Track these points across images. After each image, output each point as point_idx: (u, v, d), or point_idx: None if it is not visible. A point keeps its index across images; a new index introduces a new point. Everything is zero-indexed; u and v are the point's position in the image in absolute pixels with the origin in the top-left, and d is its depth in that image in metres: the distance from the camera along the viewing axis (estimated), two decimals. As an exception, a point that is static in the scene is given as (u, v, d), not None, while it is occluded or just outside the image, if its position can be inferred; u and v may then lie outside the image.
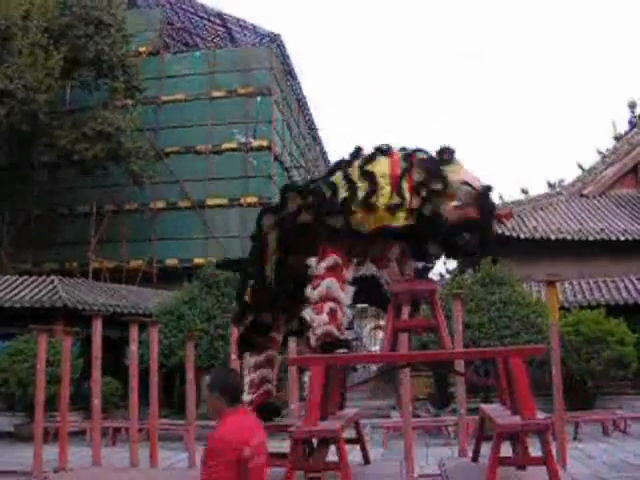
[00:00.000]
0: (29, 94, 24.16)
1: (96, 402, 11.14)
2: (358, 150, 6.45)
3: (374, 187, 6.00)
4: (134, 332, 11.25)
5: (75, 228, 29.58)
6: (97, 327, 11.17)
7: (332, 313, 5.95)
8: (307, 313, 6.11)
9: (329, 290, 6.01)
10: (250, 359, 6.92)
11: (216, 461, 3.56)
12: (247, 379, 6.82)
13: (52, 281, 22.66)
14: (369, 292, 5.82)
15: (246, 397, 6.75)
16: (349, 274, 6.15)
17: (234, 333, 10.86)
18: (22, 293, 21.75)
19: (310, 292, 6.05)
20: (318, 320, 5.98)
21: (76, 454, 12.53)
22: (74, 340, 14.19)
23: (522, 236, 25.19)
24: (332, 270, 6.08)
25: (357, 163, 6.26)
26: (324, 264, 6.10)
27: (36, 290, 21.89)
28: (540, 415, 5.70)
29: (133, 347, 11.13)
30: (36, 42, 24.82)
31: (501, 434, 5.74)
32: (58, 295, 21.17)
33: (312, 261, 6.20)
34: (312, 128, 42.11)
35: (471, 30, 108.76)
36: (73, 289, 22.64)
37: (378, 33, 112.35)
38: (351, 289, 6.10)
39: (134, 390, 10.91)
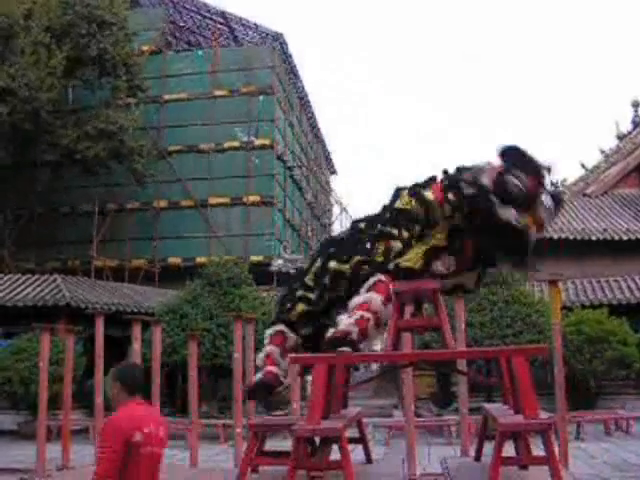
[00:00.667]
0: (31, 93, 24.20)
1: (99, 401, 11.16)
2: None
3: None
4: (136, 331, 11.26)
5: (77, 227, 29.61)
6: (99, 326, 11.19)
7: (362, 320, 5.98)
8: (341, 318, 6.16)
9: (370, 302, 6.08)
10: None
11: (107, 444, 3.87)
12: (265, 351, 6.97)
13: (55, 280, 22.68)
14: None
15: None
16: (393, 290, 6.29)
17: (237, 330, 10.88)
18: (25, 292, 21.77)
19: (350, 302, 6.14)
20: (344, 321, 6.01)
21: (79, 452, 12.53)
22: (77, 339, 14.21)
23: (524, 235, 25.13)
24: (376, 287, 6.20)
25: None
26: (371, 281, 6.29)
27: (39, 289, 21.91)
28: (542, 415, 5.70)
29: (136, 346, 11.14)
30: (38, 41, 24.86)
31: (504, 433, 5.74)
32: (61, 294, 21.19)
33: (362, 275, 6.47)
34: (314, 127, 42.12)
35: (474, 30, 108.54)
36: (76, 288, 22.66)
37: (382, 32, 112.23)
38: (391, 308, 6.22)
39: (136, 389, 10.90)
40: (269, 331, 7.06)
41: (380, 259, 6.39)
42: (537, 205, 6.02)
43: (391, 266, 6.25)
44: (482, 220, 6.07)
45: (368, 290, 6.15)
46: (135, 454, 3.88)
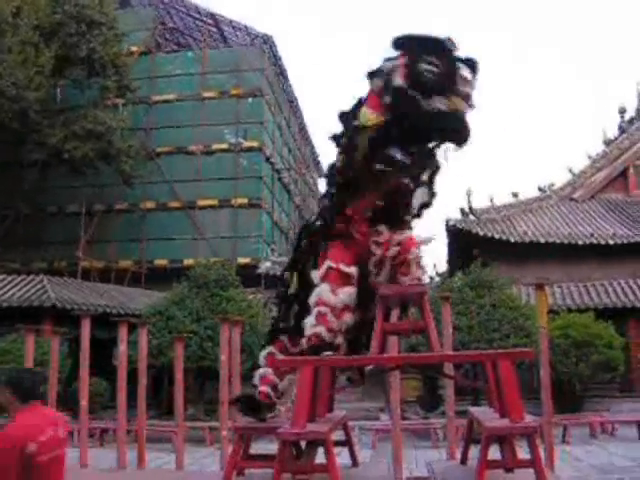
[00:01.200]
0: (19, 92, 24.06)
1: (83, 403, 11.08)
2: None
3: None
4: (123, 332, 11.18)
5: (64, 227, 29.51)
6: (85, 327, 11.11)
7: (320, 316, 5.95)
8: (305, 322, 6.13)
9: (319, 296, 6.02)
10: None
11: (2, 461, 3.70)
12: (282, 385, 6.76)
13: (41, 280, 22.57)
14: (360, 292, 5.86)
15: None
16: (349, 269, 6.12)
17: (224, 332, 10.84)
18: (10, 292, 21.65)
19: (329, 294, 6.07)
20: (307, 323, 6.01)
21: (63, 455, 12.45)
22: (62, 340, 14.11)
23: (512, 239, 25.26)
24: (326, 276, 6.09)
25: None
26: (319, 273, 6.14)
27: (24, 289, 21.79)
28: (528, 418, 5.71)
29: (122, 347, 11.07)
30: (27, 39, 24.72)
31: (489, 437, 5.74)
32: (47, 295, 21.08)
33: (314, 273, 6.29)
34: (303, 129, 42.12)
35: (462, 36, 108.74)
36: (62, 289, 22.54)
37: (372, 35, 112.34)
38: (349, 290, 6.07)
39: (122, 391, 10.85)
40: (264, 352, 6.92)
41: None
42: (457, 81, 5.65)
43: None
44: (412, 121, 5.73)
45: (322, 280, 6.16)
46: (32, 465, 3.74)
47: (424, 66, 5.61)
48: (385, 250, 6.13)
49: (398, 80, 5.68)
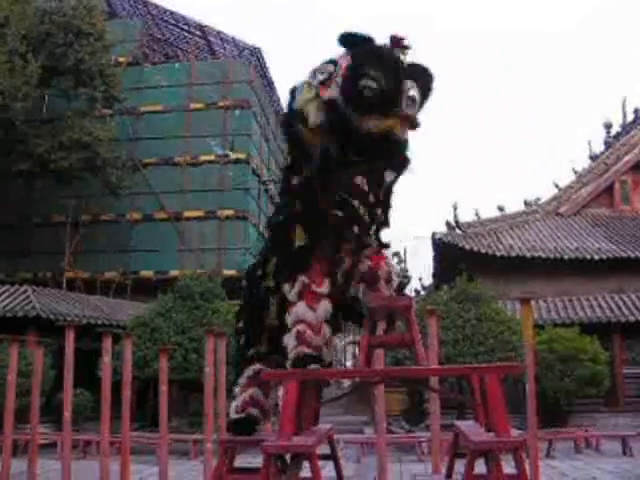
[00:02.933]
0: (6, 101, 23.96)
1: (67, 414, 10.98)
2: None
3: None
4: (107, 344, 11.12)
5: (50, 238, 29.33)
6: (70, 338, 11.04)
7: (300, 335, 5.89)
8: (285, 338, 6.05)
9: (296, 315, 5.94)
10: (243, 372, 6.75)
11: None
12: (240, 398, 6.65)
13: (25, 291, 22.40)
14: (343, 308, 5.75)
15: (232, 415, 6.67)
16: (323, 288, 6.02)
17: (209, 345, 10.80)
18: (-6, 302, 21.48)
19: (306, 311, 5.96)
20: (289, 344, 5.93)
21: (45, 467, 12.35)
22: (46, 351, 14.01)
23: (498, 254, 25.33)
24: (301, 294, 5.98)
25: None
26: (294, 290, 6.00)
27: (8, 300, 21.62)
28: (514, 432, 5.71)
29: (106, 359, 11.01)
30: (14, 49, 24.63)
31: (475, 451, 5.74)
32: (31, 305, 20.93)
33: (286, 288, 6.10)
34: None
35: (449, 52, 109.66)
36: (47, 299, 22.40)
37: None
38: (325, 304, 5.99)
39: (106, 402, 10.78)
40: (246, 374, 6.77)
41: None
42: (401, 102, 4.99)
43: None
44: (340, 138, 5.18)
45: (298, 298, 6.02)
46: None
47: (365, 81, 4.91)
48: (355, 262, 6.07)
49: (332, 91, 5.12)
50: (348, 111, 5.01)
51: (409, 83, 5.00)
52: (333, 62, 5.19)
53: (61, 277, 28.18)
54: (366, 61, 4.97)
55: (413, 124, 5.18)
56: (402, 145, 5.28)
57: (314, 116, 5.21)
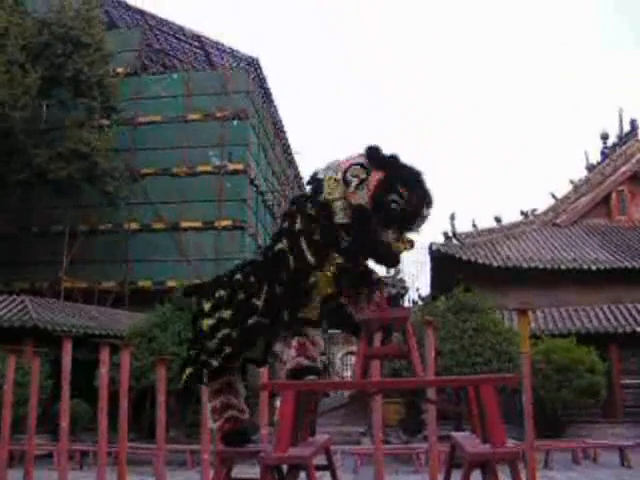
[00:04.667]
0: (5, 111, 24.04)
1: (64, 424, 10.98)
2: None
3: None
4: (104, 354, 11.13)
5: (47, 248, 29.32)
6: (67, 348, 11.05)
7: (300, 347, 5.92)
8: (278, 347, 6.08)
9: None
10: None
11: None
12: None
13: (22, 301, 22.40)
14: (340, 318, 5.73)
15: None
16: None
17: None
18: (-9, 312, 21.47)
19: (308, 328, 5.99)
20: (287, 354, 5.96)
21: (42, 478, 12.32)
22: (43, 361, 14.02)
23: (495, 264, 25.36)
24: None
25: None
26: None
27: (6, 309, 21.61)
28: (510, 443, 5.72)
29: (103, 369, 11.01)
30: (14, 60, 24.75)
31: (471, 462, 5.74)
32: (29, 315, 20.93)
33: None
34: (288, 152, 42.26)
35: (448, 57, 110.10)
36: (44, 309, 22.40)
37: (358, 56, 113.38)
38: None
39: (103, 412, 10.78)
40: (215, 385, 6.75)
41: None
42: (416, 221, 5.38)
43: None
44: (356, 242, 5.48)
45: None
46: None
47: (393, 196, 5.24)
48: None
49: (360, 197, 5.36)
50: (374, 221, 5.32)
51: (425, 205, 5.36)
52: (363, 166, 5.40)
53: (59, 287, 28.17)
54: (398, 176, 5.31)
55: (411, 247, 5.53)
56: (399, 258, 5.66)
57: (341, 215, 5.48)
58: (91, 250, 29.79)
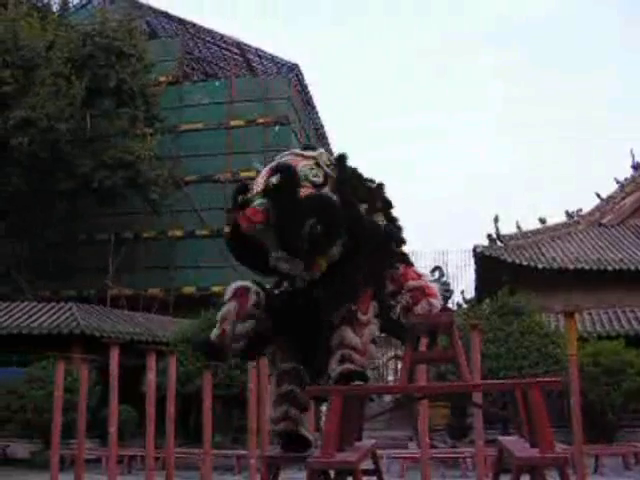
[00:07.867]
0: (51, 123, 24.51)
1: (112, 430, 11.13)
2: None
3: None
4: (151, 360, 11.27)
5: (94, 255, 29.74)
6: (114, 355, 11.21)
7: (346, 358, 5.85)
8: (330, 361, 5.98)
9: (341, 339, 5.90)
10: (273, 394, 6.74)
11: None
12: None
13: (70, 308, 22.77)
14: (387, 323, 5.71)
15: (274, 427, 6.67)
16: (368, 315, 6.06)
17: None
18: (40, 319, 21.85)
19: (352, 337, 5.89)
20: (333, 363, 5.87)
21: (92, 482, 12.51)
22: (91, 367, 14.22)
23: (540, 266, 25.07)
24: (345, 319, 5.96)
25: None
26: (369, 314, 6.02)
27: (54, 317, 21.99)
28: (559, 448, 5.65)
29: (150, 375, 11.15)
30: (59, 72, 25.26)
31: (519, 467, 5.68)
32: (76, 322, 21.26)
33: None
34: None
35: (494, 56, 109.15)
36: (91, 316, 22.74)
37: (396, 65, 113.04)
38: (370, 328, 6.00)
39: (150, 418, 10.91)
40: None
41: None
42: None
43: None
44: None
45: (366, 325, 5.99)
46: None
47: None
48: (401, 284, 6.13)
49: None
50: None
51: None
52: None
53: (105, 294, 28.55)
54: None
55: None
56: None
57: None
58: (136, 257, 30.14)
